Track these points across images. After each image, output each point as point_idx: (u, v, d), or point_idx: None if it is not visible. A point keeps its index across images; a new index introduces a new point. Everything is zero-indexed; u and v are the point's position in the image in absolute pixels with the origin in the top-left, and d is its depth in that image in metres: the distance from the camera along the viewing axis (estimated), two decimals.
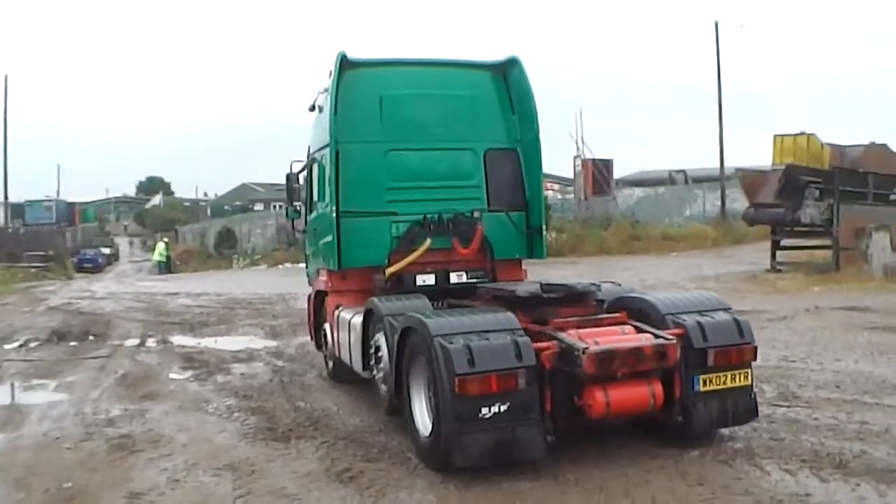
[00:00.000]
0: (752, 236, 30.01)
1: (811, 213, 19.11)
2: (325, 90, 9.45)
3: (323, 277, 9.44)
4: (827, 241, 20.14)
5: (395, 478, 5.87)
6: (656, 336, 5.93)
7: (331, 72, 8.91)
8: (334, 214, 8.65)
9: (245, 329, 15.04)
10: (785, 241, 21.29)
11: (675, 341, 5.84)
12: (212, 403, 8.67)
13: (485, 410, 5.48)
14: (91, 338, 14.29)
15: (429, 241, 8.71)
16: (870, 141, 21.77)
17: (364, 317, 7.70)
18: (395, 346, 6.45)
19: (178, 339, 13.85)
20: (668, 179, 48.99)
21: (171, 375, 10.50)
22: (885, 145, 21.91)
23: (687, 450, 6.09)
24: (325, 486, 5.77)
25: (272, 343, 13.11)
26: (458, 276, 8.92)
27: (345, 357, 8.58)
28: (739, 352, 6.15)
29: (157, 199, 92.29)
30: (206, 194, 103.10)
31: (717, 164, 38.04)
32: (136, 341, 13.72)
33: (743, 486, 5.41)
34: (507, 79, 9.35)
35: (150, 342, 13.60)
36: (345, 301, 8.98)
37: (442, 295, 8.46)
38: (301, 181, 10.59)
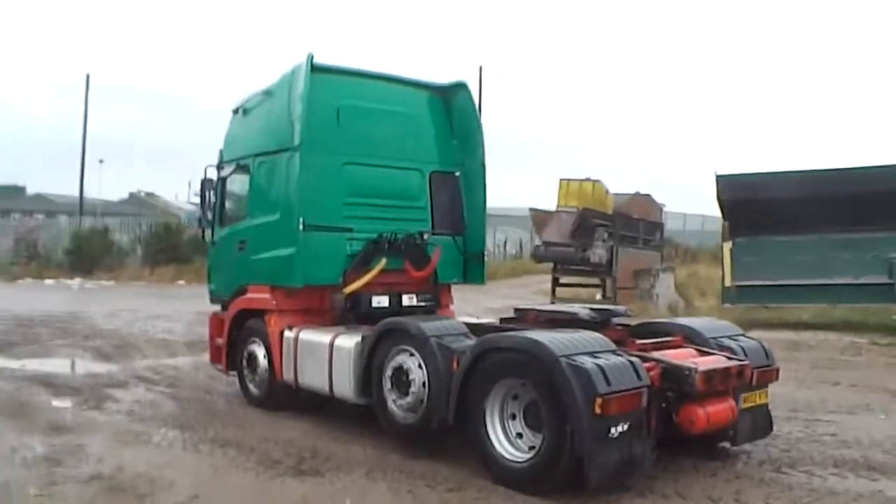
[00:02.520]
0: (500, 274, 32.02)
1: (599, 253, 21.02)
2: (265, 91, 8.76)
3: (261, 294, 8.55)
4: (596, 280, 22.31)
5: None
6: (729, 358, 6.28)
7: (291, 72, 8.32)
8: (298, 226, 7.96)
9: (65, 350, 12.99)
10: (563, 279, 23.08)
11: (748, 362, 6.23)
12: (154, 436, 7.41)
13: (613, 430, 5.42)
14: None
15: (384, 260, 8.39)
16: (635, 190, 24.53)
17: (375, 339, 7.11)
18: (467, 368, 6.08)
19: None
20: None
21: (54, 403, 8.79)
22: (648, 195, 24.84)
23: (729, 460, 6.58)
24: None
25: (114, 367, 11.46)
26: (409, 298, 8.71)
27: (310, 381, 7.87)
28: (770, 372, 6.74)
29: None
30: None
31: None
32: None
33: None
34: (450, 102, 9.30)
35: None
36: (291, 321, 8.28)
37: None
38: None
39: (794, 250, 16.04)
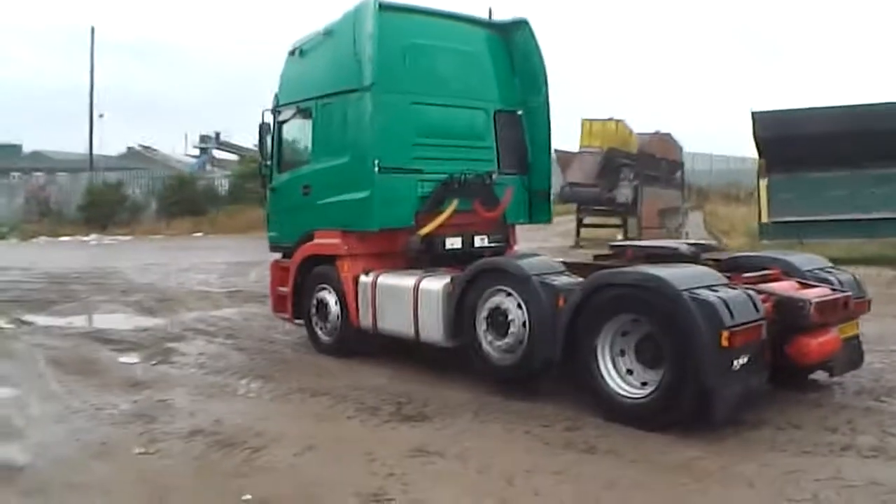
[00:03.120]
0: None
1: (626, 193, 20.89)
2: (325, 31, 8.52)
3: (331, 240, 8.43)
4: (618, 221, 22.19)
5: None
6: (833, 289, 6.22)
7: (355, 11, 8.11)
8: (373, 168, 7.81)
9: (108, 306, 12.91)
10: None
11: (849, 293, 6.19)
12: (238, 388, 7.32)
13: (735, 363, 5.36)
14: None
15: (455, 201, 8.27)
16: (654, 130, 24.29)
17: (467, 280, 7.02)
18: (577, 305, 6.01)
19: (38, 319, 11.44)
20: None
21: (121, 359, 8.68)
22: (668, 134, 24.60)
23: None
24: None
25: (162, 320, 11.35)
26: (481, 239, 8.64)
27: (392, 326, 7.78)
28: (863, 304, 6.71)
29: None
30: None
31: None
32: None
33: None
34: (511, 40, 9.10)
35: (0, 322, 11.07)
36: (365, 265, 8.19)
37: (468, 258, 8.10)
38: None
39: (830, 186, 15.97)
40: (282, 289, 9.36)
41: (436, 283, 7.34)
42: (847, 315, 6.23)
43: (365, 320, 8.06)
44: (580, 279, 6.38)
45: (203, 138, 48.73)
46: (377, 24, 7.83)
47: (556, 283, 6.38)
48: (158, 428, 6.02)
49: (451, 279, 7.22)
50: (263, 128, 9.34)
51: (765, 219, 16.62)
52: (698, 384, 5.36)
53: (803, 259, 6.97)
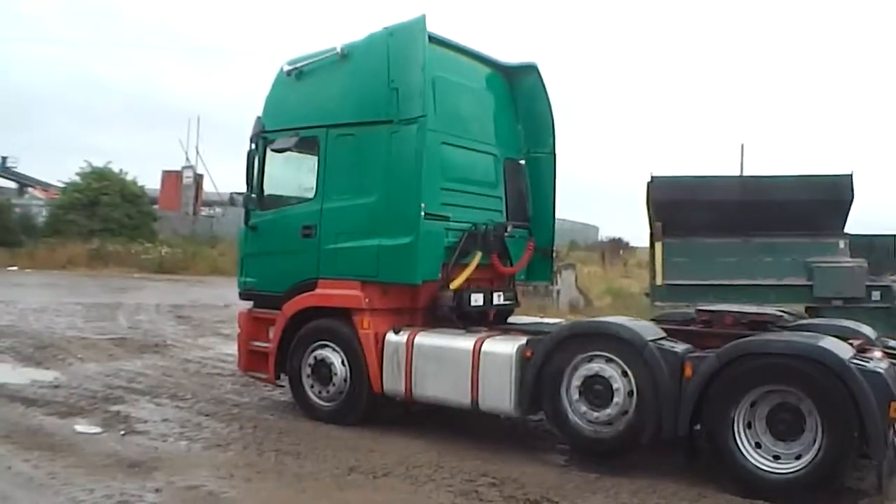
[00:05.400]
0: None
1: None
2: (340, 54, 7.66)
3: (344, 291, 7.39)
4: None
5: None
6: None
7: (390, 34, 7.42)
8: (420, 212, 7.02)
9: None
10: None
11: None
12: (282, 469, 6.09)
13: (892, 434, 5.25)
14: None
15: (479, 254, 7.64)
16: None
17: (555, 344, 6.31)
18: (711, 375, 5.52)
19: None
20: (230, 200, 48.23)
21: (78, 428, 7.04)
22: None
23: None
24: None
25: (58, 374, 9.57)
26: (498, 296, 8.04)
27: (437, 393, 6.94)
28: None
29: None
30: None
31: None
32: None
33: None
34: (517, 84, 8.67)
35: None
36: (387, 321, 7.25)
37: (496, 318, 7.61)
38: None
39: (722, 252, 16.73)
40: (258, 344, 8.12)
41: (505, 347, 6.57)
42: None
43: (394, 385, 7.08)
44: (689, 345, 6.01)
45: None
46: (427, 50, 7.08)
47: (677, 349, 5.86)
48: None
49: (528, 342, 6.48)
50: (251, 155, 8.13)
51: (659, 281, 17.08)
52: (857, 457, 5.22)
53: (868, 328, 6.94)
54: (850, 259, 16.27)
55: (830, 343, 5.47)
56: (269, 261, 8.09)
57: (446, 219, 7.41)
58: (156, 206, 34.89)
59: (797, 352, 5.39)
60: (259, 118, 8.19)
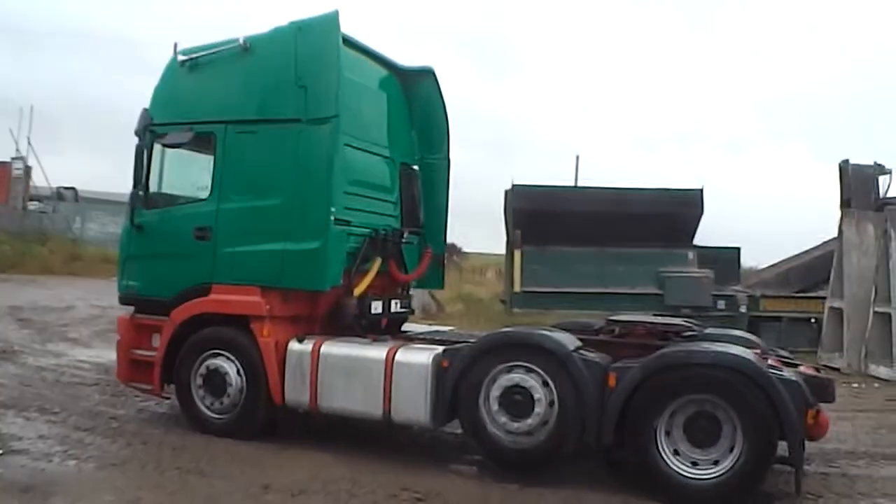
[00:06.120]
0: None
1: None
2: (241, 47, 7.28)
3: (243, 297, 6.99)
4: None
5: None
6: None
7: (298, 30, 7.11)
8: (329, 216, 6.79)
9: None
10: None
11: None
12: (223, 489, 5.62)
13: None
14: None
15: (379, 260, 7.51)
16: None
17: (475, 354, 6.22)
18: (636, 385, 5.64)
19: None
20: (57, 195, 45.05)
21: None
22: None
23: None
24: None
25: None
26: (396, 304, 7.94)
27: (345, 404, 6.66)
28: None
29: None
30: None
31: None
32: None
33: None
34: (413, 88, 8.54)
35: None
36: (288, 329, 6.95)
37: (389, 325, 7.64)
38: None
39: (578, 260, 17.35)
40: (141, 352, 7.50)
41: (420, 357, 6.42)
42: None
43: (297, 396, 6.75)
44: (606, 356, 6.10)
45: None
46: (341, 47, 6.83)
47: (599, 360, 5.94)
48: None
49: (444, 352, 6.36)
50: (140, 149, 7.48)
51: (517, 288, 17.48)
52: (774, 463, 5.48)
53: (746, 337, 7.29)
54: (697, 270, 17.41)
55: (747, 353, 5.72)
56: (155, 263, 7.47)
57: (348, 223, 7.16)
58: None
59: (719, 362, 5.58)
60: (146, 110, 7.53)
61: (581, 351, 6.04)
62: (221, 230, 7.10)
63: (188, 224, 7.25)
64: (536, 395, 5.98)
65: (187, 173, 7.69)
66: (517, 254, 17.75)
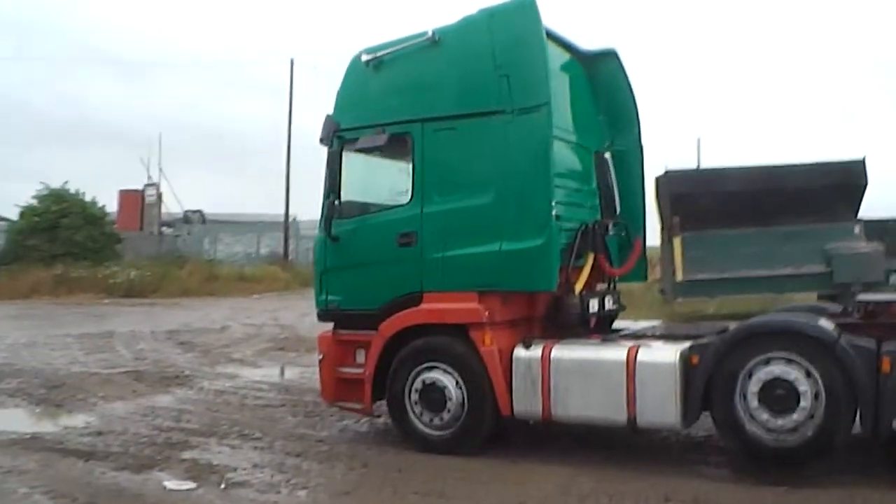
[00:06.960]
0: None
1: None
2: (428, 40, 6.96)
3: (458, 304, 6.62)
4: None
5: None
6: None
7: (490, 16, 6.72)
8: (551, 211, 6.41)
9: None
10: None
11: None
12: None
13: None
14: None
15: (591, 255, 7.03)
16: None
17: (726, 348, 5.74)
18: None
19: None
20: (184, 219, 47.07)
21: (168, 485, 6.15)
22: None
23: None
24: None
25: (87, 416, 8.53)
26: (608, 300, 7.51)
27: (584, 411, 6.25)
28: None
29: None
30: None
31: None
32: None
33: None
34: (596, 72, 7.99)
35: None
36: (509, 335, 6.61)
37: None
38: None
39: (739, 243, 16.45)
40: (347, 370, 7.22)
41: (666, 355, 5.97)
42: None
43: (527, 406, 6.34)
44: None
45: None
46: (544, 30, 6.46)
47: (867, 344, 5.43)
48: None
49: (692, 347, 5.88)
50: (333, 157, 7.27)
51: (680, 277, 16.71)
52: None
53: None
54: (866, 243, 16.28)
55: None
56: (358, 274, 7.19)
57: (558, 218, 6.75)
58: (114, 227, 33.38)
59: None
60: (330, 116, 7.30)
61: (846, 336, 5.46)
62: (427, 234, 6.80)
63: (390, 231, 6.97)
64: (801, 388, 5.45)
65: (378, 177, 7.49)
66: (677, 241, 16.98)
